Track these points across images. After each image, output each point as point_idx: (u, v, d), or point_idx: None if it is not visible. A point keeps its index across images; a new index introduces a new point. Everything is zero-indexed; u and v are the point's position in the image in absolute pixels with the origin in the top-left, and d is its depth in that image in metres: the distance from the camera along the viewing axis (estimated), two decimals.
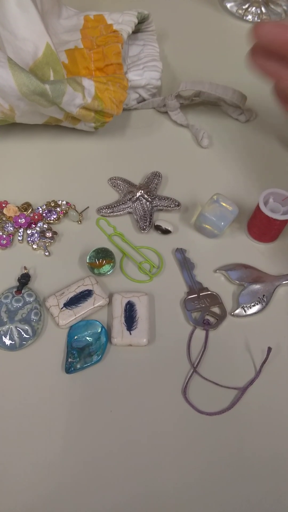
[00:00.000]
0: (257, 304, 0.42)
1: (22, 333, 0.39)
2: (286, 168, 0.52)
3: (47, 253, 0.44)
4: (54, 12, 0.56)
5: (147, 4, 0.67)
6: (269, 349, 0.40)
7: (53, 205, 0.46)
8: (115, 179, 0.49)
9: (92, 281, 0.41)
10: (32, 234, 0.44)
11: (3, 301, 0.40)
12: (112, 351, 0.39)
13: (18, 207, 0.45)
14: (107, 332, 0.40)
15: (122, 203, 0.47)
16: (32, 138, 0.52)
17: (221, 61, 0.62)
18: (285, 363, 0.39)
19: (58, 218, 0.45)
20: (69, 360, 0.38)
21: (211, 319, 0.41)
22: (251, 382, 0.38)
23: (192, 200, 0.49)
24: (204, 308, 0.41)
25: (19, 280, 0.41)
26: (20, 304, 0.40)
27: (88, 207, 0.47)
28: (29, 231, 0.44)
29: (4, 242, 0.43)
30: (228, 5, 0.69)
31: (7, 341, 0.38)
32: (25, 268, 0.42)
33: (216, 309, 0.42)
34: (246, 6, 0.68)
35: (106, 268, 0.42)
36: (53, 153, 0.51)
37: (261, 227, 0.44)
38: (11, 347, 0.38)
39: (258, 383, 0.38)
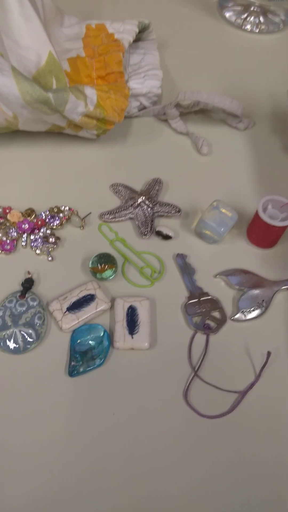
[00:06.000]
0: (257, 308, 0.42)
1: (26, 336, 0.39)
2: (284, 175, 0.53)
3: (50, 258, 0.44)
4: (57, 21, 0.57)
5: (147, 13, 0.69)
6: (269, 353, 0.40)
7: (56, 211, 0.47)
8: (116, 186, 0.50)
9: (94, 285, 0.42)
10: (36, 240, 0.45)
11: (7, 305, 0.40)
12: (115, 354, 0.40)
13: (22, 213, 0.46)
14: (110, 336, 0.40)
15: (124, 209, 0.47)
16: (35, 145, 0.53)
17: (220, 70, 0.63)
18: (284, 367, 0.40)
19: (61, 224, 0.46)
20: (72, 363, 0.38)
21: (212, 324, 0.42)
22: (251, 385, 0.39)
23: (192, 206, 0.49)
24: (204, 313, 0.42)
25: (22, 284, 0.42)
26: (24, 308, 0.40)
27: (90, 212, 0.48)
28: (32, 237, 0.45)
29: (8, 247, 0.44)
30: (227, 14, 0.70)
31: (11, 345, 0.39)
32: (28, 272, 0.43)
33: (216, 314, 0.42)
34: (245, 15, 0.69)
35: (108, 273, 0.43)
36: (56, 159, 0.52)
37: (260, 233, 0.45)
38: (15, 351, 0.39)
39: (258, 387, 0.39)
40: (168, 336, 0.41)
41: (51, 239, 0.45)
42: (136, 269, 0.45)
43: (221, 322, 0.42)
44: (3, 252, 0.44)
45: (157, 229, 0.47)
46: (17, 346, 0.39)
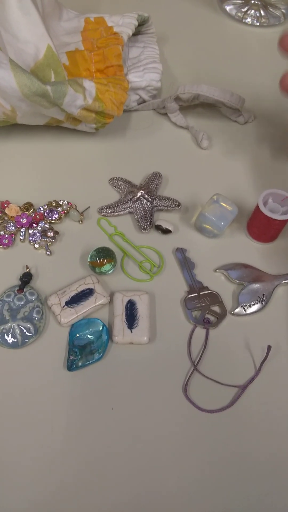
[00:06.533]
0: (257, 303, 0.42)
1: (24, 331, 0.39)
2: (285, 169, 0.52)
3: (48, 253, 0.44)
4: (55, 14, 0.57)
5: (147, 7, 0.68)
6: (269, 347, 0.40)
7: (54, 205, 0.46)
8: (115, 179, 0.49)
9: (93, 280, 0.42)
10: (34, 234, 0.45)
11: (6, 300, 0.40)
12: (114, 349, 0.40)
13: (20, 207, 0.46)
14: (108, 330, 0.40)
15: (123, 203, 0.47)
16: (34, 138, 0.53)
17: (220, 63, 0.63)
18: (284, 361, 0.40)
19: (60, 218, 0.46)
20: (71, 357, 0.38)
21: (212, 318, 0.42)
22: (251, 380, 0.39)
23: (192, 200, 0.49)
24: (204, 307, 0.42)
25: (21, 279, 0.41)
26: (22, 303, 0.40)
27: (89, 207, 0.48)
28: (30, 231, 0.45)
29: (6, 241, 0.44)
30: (228, 8, 0.69)
31: (10, 339, 0.39)
32: (27, 267, 0.43)
33: (216, 308, 0.42)
34: (245, 9, 0.69)
35: (107, 267, 0.42)
36: (55, 153, 0.52)
37: (260, 227, 0.44)
38: (14, 345, 0.39)
39: (258, 381, 0.39)
40: (167, 331, 0.41)
41: (50, 233, 0.45)
42: (135, 263, 0.45)
43: (221, 316, 0.42)
44: (1, 246, 0.44)
45: (156, 223, 0.46)
46: (15, 340, 0.39)
